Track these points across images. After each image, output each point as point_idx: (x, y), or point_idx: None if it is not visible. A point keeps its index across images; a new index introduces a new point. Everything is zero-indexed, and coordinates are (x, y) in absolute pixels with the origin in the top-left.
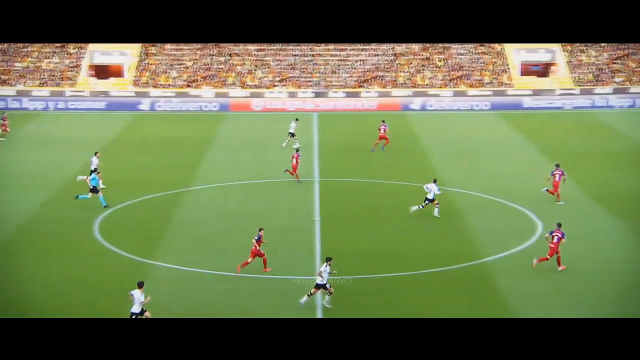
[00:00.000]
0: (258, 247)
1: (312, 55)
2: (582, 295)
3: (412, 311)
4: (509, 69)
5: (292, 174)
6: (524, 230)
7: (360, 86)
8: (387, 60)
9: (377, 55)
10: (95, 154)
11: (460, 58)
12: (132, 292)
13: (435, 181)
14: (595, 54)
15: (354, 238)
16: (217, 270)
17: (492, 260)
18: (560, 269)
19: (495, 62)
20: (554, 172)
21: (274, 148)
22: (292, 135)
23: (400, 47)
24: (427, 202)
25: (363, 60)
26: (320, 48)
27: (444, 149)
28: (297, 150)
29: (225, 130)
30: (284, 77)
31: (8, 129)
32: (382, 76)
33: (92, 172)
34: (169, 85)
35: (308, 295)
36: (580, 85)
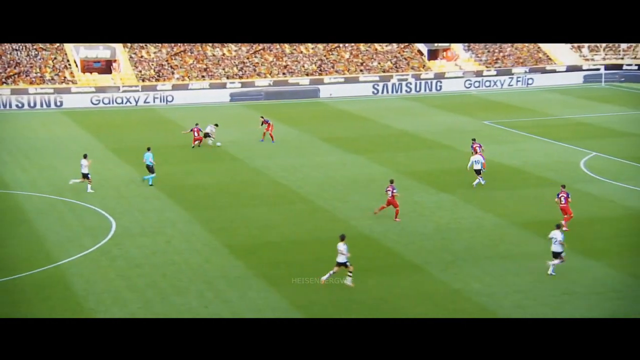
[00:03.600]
0: (393, 197)
1: None
2: (159, 288)
3: None
4: (70, 65)
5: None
6: (98, 229)
7: None
8: None
9: None
10: (85, 156)
11: (17, 54)
12: (339, 245)
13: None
14: (154, 51)
15: None
16: None
17: (67, 263)
18: (565, 229)
19: (55, 59)
20: (474, 145)
21: None
22: (208, 135)
23: None
24: (479, 173)
25: None
26: None
27: (4, 150)
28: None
29: None
30: None
31: None
32: None
33: (147, 150)
34: None
35: (553, 265)
36: (142, 82)
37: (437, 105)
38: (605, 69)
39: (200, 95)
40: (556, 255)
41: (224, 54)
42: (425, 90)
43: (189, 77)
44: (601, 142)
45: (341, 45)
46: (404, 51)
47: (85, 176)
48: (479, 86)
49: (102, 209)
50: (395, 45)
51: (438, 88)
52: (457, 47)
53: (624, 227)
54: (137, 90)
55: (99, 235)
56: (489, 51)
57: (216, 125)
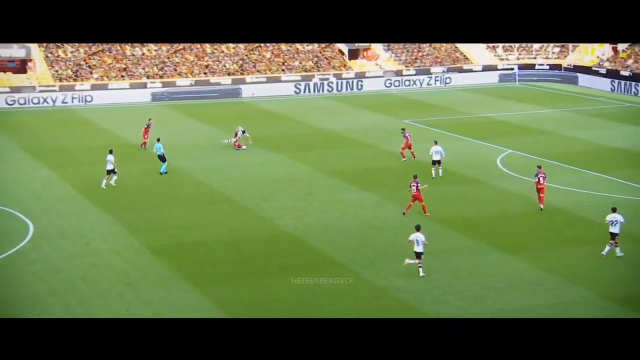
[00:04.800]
0: (418, 191)
1: None
2: (79, 291)
3: None
4: None
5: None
6: (15, 232)
7: None
8: None
9: None
10: (110, 151)
11: None
12: (414, 236)
13: (436, 142)
14: (71, 50)
15: None
16: None
17: None
18: (541, 206)
19: None
20: (406, 134)
21: None
22: (243, 132)
23: None
24: (436, 164)
25: None
26: None
27: None
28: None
29: None
30: None
31: None
32: None
33: (157, 141)
34: None
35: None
36: (60, 82)
37: (359, 105)
38: (519, 69)
39: (121, 96)
40: (614, 236)
41: (143, 54)
42: (346, 89)
43: (107, 77)
44: (516, 140)
45: (262, 44)
46: (324, 51)
47: (109, 172)
48: (399, 85)
49: (18, 212)
50: (316, 44)
51: (359, 87)
52: (377, 47)
53: (538, 222)
54: (55, 90)
55: (16, 239)
56: (408, 51)
57: (244, 131)
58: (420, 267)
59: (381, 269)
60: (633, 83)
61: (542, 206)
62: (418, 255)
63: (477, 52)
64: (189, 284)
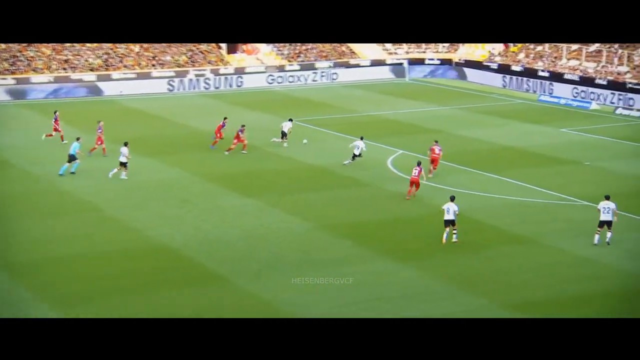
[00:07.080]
0: (418, 177)
1: None
2: None
3: None
4: None
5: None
6: None
7: None
8: None
9: None
10: (125, 144)
11: None
12: (447, 205)
13: (362, 138)
14: None
15: None
16: None
17: None
18: (430, 175)
19: None
20: (239, 130)
21: None
22: (284, 135)
23: None
24: (354, 157)
25: None
26: None
27: None
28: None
29: None
30: None
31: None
32: None
33: (77, 139)
34: None
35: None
36: None
37: (238, 103)
38: (409, 64)
39: None
40: (609, 224)
41: None
42: (225, 86)
43: None
44: (407, 139)
45: None
46: (199, 44)
47: (122, 165)
48: (282, 82)
49: None
50: None
51: (239, 84)
52: None
53: (431, 227)
54: None
55: None
56: (290, 44)
57: (290, 120)
58: (455, 233)
59: (267, 282)
60: (524, 79)
61: (433, 172)
62: (448, 223)
63: (364, 46)
64: (50, 305)
